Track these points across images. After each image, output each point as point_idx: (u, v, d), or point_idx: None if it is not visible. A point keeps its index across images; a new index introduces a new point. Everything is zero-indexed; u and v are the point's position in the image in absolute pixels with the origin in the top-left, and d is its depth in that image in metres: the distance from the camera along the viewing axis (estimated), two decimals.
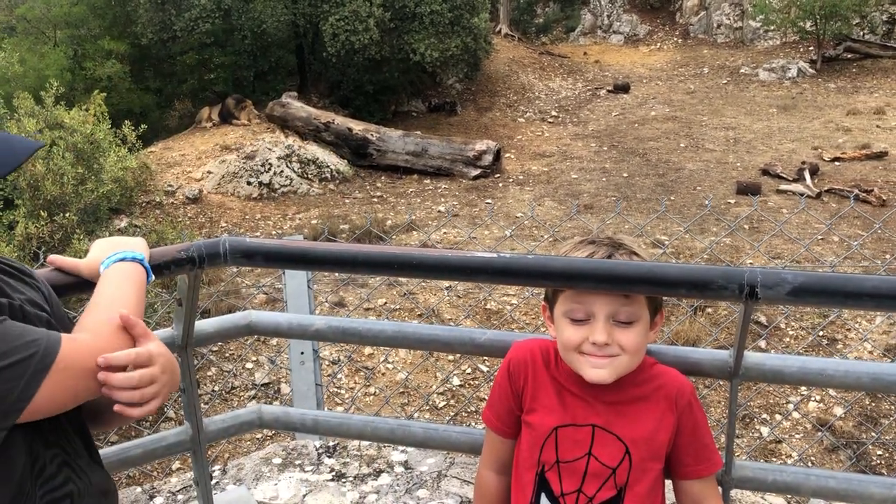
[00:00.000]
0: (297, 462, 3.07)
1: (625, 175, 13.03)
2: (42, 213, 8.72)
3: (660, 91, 19.07)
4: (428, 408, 7.05)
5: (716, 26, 22.90)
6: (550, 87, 20.17)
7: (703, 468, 1.54)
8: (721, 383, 6.14)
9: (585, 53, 23.32)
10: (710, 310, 7.89)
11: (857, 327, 7.40)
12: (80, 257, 1.54)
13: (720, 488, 1.74)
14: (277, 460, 3.09)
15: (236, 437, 6.50)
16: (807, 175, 11.88)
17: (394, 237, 10.41)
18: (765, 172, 12.39)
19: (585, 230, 9.79)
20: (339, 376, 7.33)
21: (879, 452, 6.23)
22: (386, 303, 8.37)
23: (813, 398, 6.77)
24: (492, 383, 1.72)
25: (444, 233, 10.50)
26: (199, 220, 11.93)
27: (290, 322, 2.11)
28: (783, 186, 11.76)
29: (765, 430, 6.51)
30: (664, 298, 1.61)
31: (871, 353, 7.15)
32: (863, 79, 18.18)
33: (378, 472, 2.97)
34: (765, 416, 6.67)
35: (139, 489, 2.97)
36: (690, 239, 9.55)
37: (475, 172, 13.60)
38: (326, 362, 7.34)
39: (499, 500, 1.65)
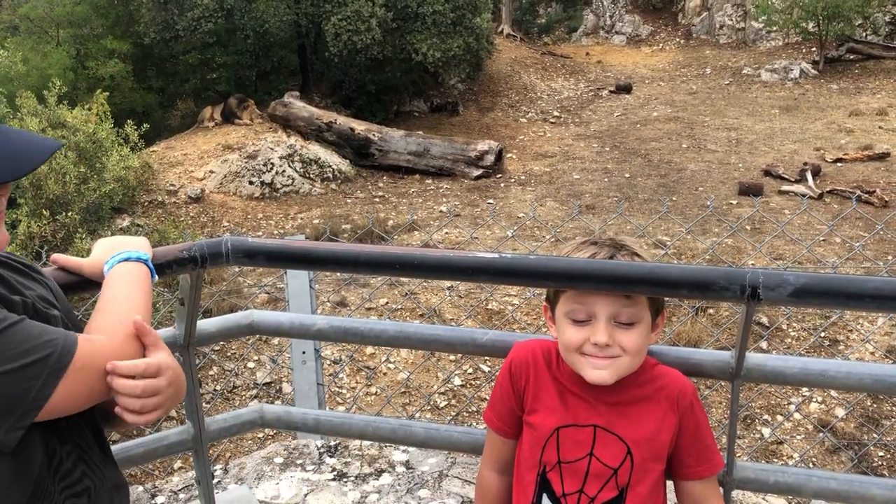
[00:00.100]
0: (299, 461, 3.07)
1: (626, 175, 13.02)
2: (44, 212, 8.73)
3: (662, 92, 19.04)
4: (429, 408, 7.05)
5: (718, 27, 22.87)
6: (552, 88, 20.15)
7: (704, 469, 1.54)
8: (722, 384, 6.13)
9: (588, 54, 23.31)
10: (711, 311, 7.88)
11: (859, 328, 7.39)
12: (83, 256, 1.54)
13: (721, 489, 1.74)
14: (279, 460, 3.09)
15: (238, 437, 6.50)
16: (809, 176, 11.87)
17: (395, 237, 10.41)
18: (767, 173, 12.38)
19: (587, 231, 9.78)
20: (340, 376, 7.33)
21: (881, 454, 6.22)
22: (388, 303, 8.38)
23: (814, 399, 6.76)
24: (493, 383, 1.72)
25: (446, 233, 10.50)
26: (201, 219, 11.94)
27: (291, 322, 2.11)
28: (785, 187, 11.75)
29: (766, 431, 6.50)
30: (666, 299, 1.61)
31: (872, 354, 7.15)
32: (865, 80, 18.14)
33: (379, 472, 2.97)
34: (766, 417, 6.66)
35: (141, 488, 2.98)
36: (692, 240, 9.55)
37: (477, 172, 13.59)
38: (328, 362, 7.34)
39: (500, 500, 1.65)
